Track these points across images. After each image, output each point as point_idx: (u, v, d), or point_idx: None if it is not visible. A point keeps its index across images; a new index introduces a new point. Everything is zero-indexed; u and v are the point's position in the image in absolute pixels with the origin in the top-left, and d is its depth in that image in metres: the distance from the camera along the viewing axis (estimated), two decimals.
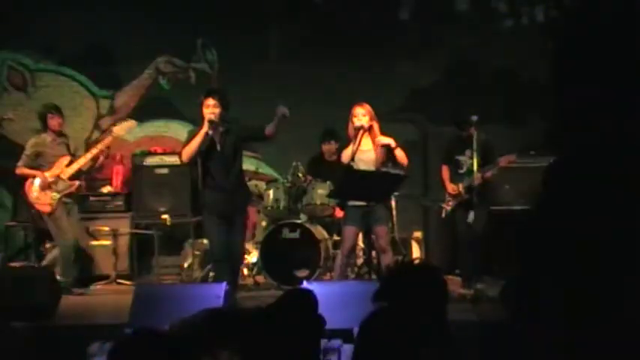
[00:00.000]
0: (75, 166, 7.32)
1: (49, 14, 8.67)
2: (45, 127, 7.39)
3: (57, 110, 7.45)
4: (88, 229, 8.04)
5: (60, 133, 7.45)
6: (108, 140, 7.50)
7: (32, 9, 8.67)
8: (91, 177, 8.55)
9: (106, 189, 8.48)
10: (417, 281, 2.84)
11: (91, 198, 8.35)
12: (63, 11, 8.66)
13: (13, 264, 7.74)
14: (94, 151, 7.42)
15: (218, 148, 6.27)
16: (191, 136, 6.32)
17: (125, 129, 7.66)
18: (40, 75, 9.01)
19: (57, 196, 7.22)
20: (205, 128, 6.20)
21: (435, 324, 2.80)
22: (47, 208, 7.22)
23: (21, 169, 7.33)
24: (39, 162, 7.31)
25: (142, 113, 8.99)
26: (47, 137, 7.38)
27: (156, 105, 8.98)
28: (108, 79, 9.03)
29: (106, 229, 8.00)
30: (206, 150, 6.23)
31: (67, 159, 7.35)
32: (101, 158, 7.50)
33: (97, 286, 7.75)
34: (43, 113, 7.44)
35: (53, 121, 7.36)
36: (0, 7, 8.74)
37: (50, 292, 6.09)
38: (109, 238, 7.95)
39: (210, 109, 6.24)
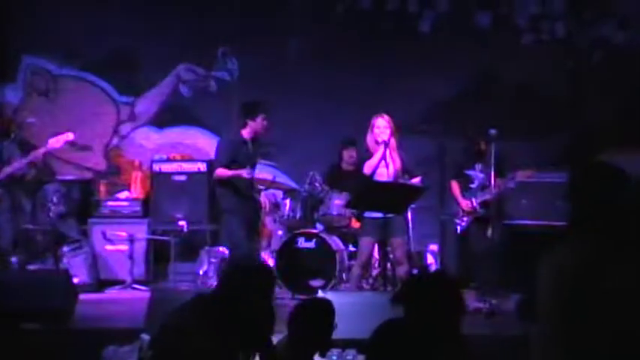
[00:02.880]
0: (8, 170, 7.39)
1: (72, 20, 8.78)
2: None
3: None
4: (105, 234, 8.12)
5: (10, 137, 7.60)
6: (41, 151, 7.53)
7: (55, 15, 8.77)
8: (109, 182, 8.63)
9: (123, 194, 8.56)
10: (434, 289, 2.87)
11: (109, 203, 8.43)
12: (86, 17, 8.77)
13: (30, 267, 7.78)
14: (24, 161, 7.47)
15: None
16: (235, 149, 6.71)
17: (61, 141, 7.58)
18: (63, 80, 9.13)
19: None
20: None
21: (449, 334, 2.81)
22: None
23: None
24: None
25: (162, 120, 9.08)
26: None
27: (176, 112, 9.05)
28: (129, 86, 9.12)
29: (123, 234, 8.06)
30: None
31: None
32: (30, 168, 7.65)
33: (113, 291, 7.81)
34: None
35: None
36: (24, 12, 8.86)
37: (66, 296, 6.13)
38: (125, 244, 8.00)
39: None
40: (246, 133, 6.79)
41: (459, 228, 7.23)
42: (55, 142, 7.51)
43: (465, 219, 7.13)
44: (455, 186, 7.23)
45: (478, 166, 7.03)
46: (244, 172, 6.61)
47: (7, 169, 7.35)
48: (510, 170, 6.93)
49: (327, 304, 3.62)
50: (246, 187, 6.77)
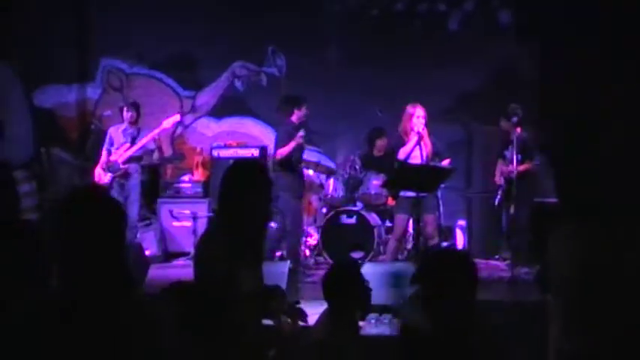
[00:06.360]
0: (128, 153, 7.35)
1: (141, 27, 8.82)
2: (122, 119, 7.54)
3: (133, 106, 7.56)
4: (172, 212, 8.18)
5: (132, 125, 7.51)
6: (156, 131, 7.55)
7: (128, 21, 8.82)
8: (175, 166, 8.69)
9: (187, 177, 8.60)
10: (446, 264, 2.70)
11: (175, 185, 8.48)
12: (153, 24, 8.79)
13: None
14: (144, 140, 7.43)
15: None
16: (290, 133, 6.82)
17: (171, 122, 7.68)
18: (134, 78, 9.17)
19: (109, 176, 7.32)
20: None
21: (463, 307, 2.64)
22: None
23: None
24: (108, 147, 7.45)
25: (219, 111, 9.10)
26: (120, 127, 7.51)
27: (231, 104, 9.06)
28: (190, 82, 9.15)
29: (187, 212, 8.06)
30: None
31: (126, 147, 7.40)
32: (152, 146, 7.60)
33: (179, 262, 7.82)
34: (121, 107, 7.66)
35: (127, 115, 7.49)
36: (101, 21, 8.96)
37: (139, 265, 6.16)
38: (189, 220, 7.98)
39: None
40: (295, 118, 6.87)
41: (496, 201, 7.16)
42: (167, 123, 7.59)
43: (499, 193, 7.07)
44: (500, 164, 7.17)
45: (510, 149, 6.85)
46: (299, 136, 6.72)
47: (127, 152, 7.36)
48: (534, 153, 6.82)
49: (353, 263, 3.44)
50: (298, 163, 6.99)
